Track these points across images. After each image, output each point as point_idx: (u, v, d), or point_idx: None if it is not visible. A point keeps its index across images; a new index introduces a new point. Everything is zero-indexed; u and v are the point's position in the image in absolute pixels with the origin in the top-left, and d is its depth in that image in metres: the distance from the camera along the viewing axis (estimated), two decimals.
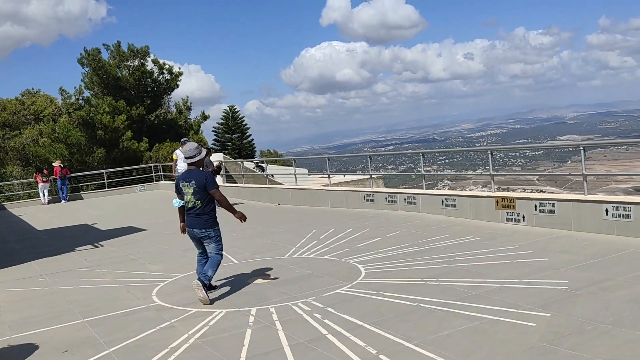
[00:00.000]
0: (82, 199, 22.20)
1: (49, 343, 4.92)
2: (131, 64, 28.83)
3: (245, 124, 47.35)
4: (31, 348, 4.84)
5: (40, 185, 20.73)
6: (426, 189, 10.94)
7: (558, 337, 3.99)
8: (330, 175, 14.05)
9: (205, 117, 31.96)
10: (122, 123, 26.56)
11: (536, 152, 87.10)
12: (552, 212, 7.81)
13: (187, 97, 32.05)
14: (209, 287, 5.89)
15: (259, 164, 24.18)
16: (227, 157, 26.61)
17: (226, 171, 20.12)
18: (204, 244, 5.96)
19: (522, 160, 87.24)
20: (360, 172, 27.75)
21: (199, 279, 5.74)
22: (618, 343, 3.80)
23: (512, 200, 8.40)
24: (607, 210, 7.11)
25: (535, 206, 8.04)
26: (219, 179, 16.53)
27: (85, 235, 11.82)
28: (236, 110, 47.42)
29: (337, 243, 8.29)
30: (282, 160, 30.79)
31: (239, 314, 5.27)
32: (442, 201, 9.77)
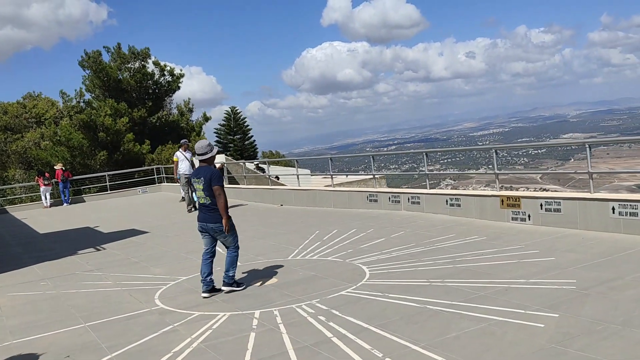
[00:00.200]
0: (84, 201, 22.17)
1: (51, 348, 4.86)
2: (132, 66, 28.81)
3: (247, 125, 47.34)
4: (32, 354, 4.78)
5: (42, 188, 20.70)
6: (429, 188, 10.86)
7: (567, 338, 3.91)
8: (333, 176, 13.98)
9: (206, 119, 31.97)
10: (124, 125, 26.54)
11: (539, 151, 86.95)
12: (558, 210, 7.72)
13: (189, 98, 32.07)
14: (236, 283, 6.21)
15: (259, 165, 24.12)
16: (229, 158, 26.56)
17: (228, 172, 20.07)
18: (220, 239, 6.11)
19: (524, 159, 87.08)
20: (363, 172, 27.68)
21: (225, 284, 6.10)
22: (629, 344, 3.73)
23: (518, 199, 8.32)
24: (613, 209, 7.03)
25: (541, 205, 7.95)
26: None
27: (87, 239, 11.76)
28: (238, 111, 47.42)
29: (341, 244, 8.22)
30: (284, 161, 30.74)
31: (242, 317, 5.21)
32: (446, 201, 9.70)
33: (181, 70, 30.80)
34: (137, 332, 5.07)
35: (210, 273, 6.11)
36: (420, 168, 11.26)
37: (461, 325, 4.35)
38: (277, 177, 19.97)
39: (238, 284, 6.24)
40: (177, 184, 18.60)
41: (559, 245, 6.75)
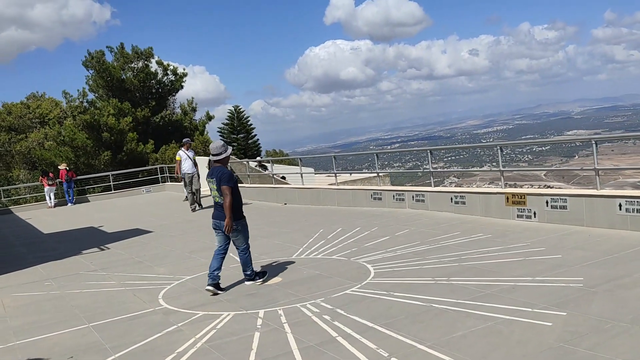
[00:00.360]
0: (88, 201, 22.19)
1: (54, 349, 4.84)
2: (135, 66, 28.82)
3: (251, 124, 47.29)
4: (36, 355, 4.76)
5: (47, 188, 20.73)
6: (434, 186, 10.80)
7: (576, 337, 3.86)
8: (337, 174, 13.94)
9: (210, 118, 31.95)
10: (127, 125, 26.55)
11: (543, 148, 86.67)
12: (564, 207, 7.66)
13: (192, 98, 32.06)
14: (257, 274, 6.38)
15: (262, 163, 24.08)
16: (233, 157, 26.54)
17: (232, 171, 20.02)
18: (232, 238, 6.21)
19: (529, 156, 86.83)
20: (367, 171, 27.61)
21: (247, 280, 6.32)
22: (639, 342, 3.67)
23: (523, 197, 8.26)
24: (620, 205, 6.96)
25: (547, 202, 7.89)
26: None
27: (91, 238, 11.76)
28: (241, 110, 47.37)
29: (345, 242, 8.18)
30: (288, 159, 30.69)
31: (246, 316, 5.17)
32: (451, 198, 9.64)
33: (184, 69, 30.81)
34: (141, 332, 5.04)
35: (218, 268, 6.14)
36: (424, 166, 11.20)
37: (467, 324, 4.30)
38: (284, 177, 19.85)
39: (259, 275, 6.39)
40: (180, 183, 18.58)
41: (566, 242, 6.69)
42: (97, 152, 26.39)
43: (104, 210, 18.25)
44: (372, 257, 7.04)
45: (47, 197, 20.84)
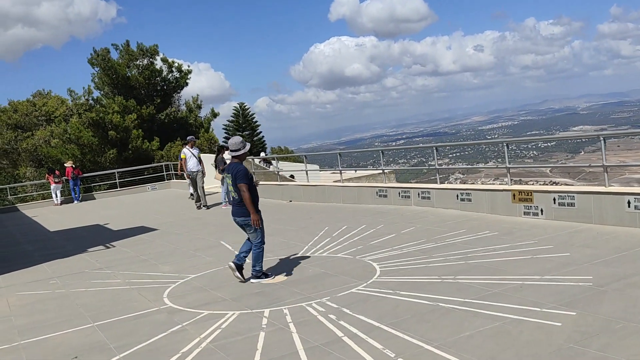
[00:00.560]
0: (94, 199, 22.24)
1: (59, 349, 4.81)
2: (140, 63, 28.80)
3: (256, 121, 47.35)
4: (40, 355, 4.74)
5: (53, 186, 20.77)
6: (439, 183, 10.73)
7: (586, 337, 3.80)
8: (342, 171, 13.88)
9: (215, 115, 31.91)
10: (132, 122, 26.56)
11: (548, 144, 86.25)
12: (572, 205, 7.58)
13: (197, 95, 32.04)
14: (264, 274, 6.38)
15: (265, 159, 24.02)
16: None
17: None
18: (247, 233, 6.37)
19: (534, 152, 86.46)
20: (372, 167, 27.52)
21: (253, 277, 6.31)
22: None
23: (530, 194, 8.19)
24: (629, 202, 6.88)
25: (554, 199, 7.81)
26: None
27: (97, 236, 11.76)
28: (246, 107, 47.44)
29: (351, 240, 8.13)
30: (293, 156, 30.67)
31: (251, 315, 5.13)
32: (457, 195, 9.57)
33: (189, 66, 30.77)
34: (146, 331, 5.01)
35: (247, 252, 6.38)
36: (430, 162, 11.13)
37: (475, 324, 4.25)
38: (293, 177, 19.74)
39: (266, 274, 6.39)
40: (184, 181, 18.57)
41: (574, 240, 6.62)
42: (103, 149, 26.43)
43: (109, 207, 18.27)
44: (378, 255, 6.98)
45: (54, 195, 20.90)
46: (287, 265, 6.97)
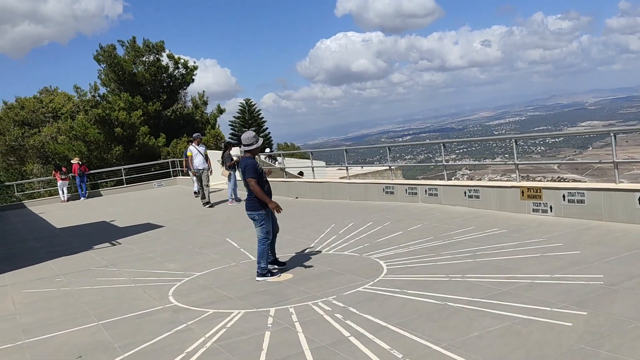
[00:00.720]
0: (100, 195, 22.29)
1: (63, 348, 4.78)
2: (147, 60, 28.81)
3: (262, 117, 47.31)
4: (44, 354, 4.71)
5: (60, 182, 20.83)
6: (447, 179, 10.63)
7: (597, 337, 3.72)
8: (348, 167, 13.80)
9: (221, 111, 31.90)
10: (138, 119, 26.58)
11: (556, 139, 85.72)
12: (582, 202, 7.47)
13: (204, 91, 32.04)
14: (269, 272, 6.35)
15: (270, 155, 23.97)
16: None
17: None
18: (255, 227, 6.38)
19: (542, 148, 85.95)
20: (378, 163, 27.42)
21: (258, 275, 6.30)
22: None
23: (539, 190, 8.08)
24: None
25: (564, 196, 7.71)
26: (238, 174, 16.32)
27: (103, 233, 11.75)
28: (252, 103, 47.40)
29: (357, 238, 8.06)
30: (299, 153, 30.59)
31: (257, 314, 5.08)
32: (465, 192, 9.48)
33: (195, 62, 30.77)
34: (151, 330, 4.97)
35: (273, 260, 6.59)
36: (436, 158, 11.03)
37: (484, 324, 4.17)
38: (302, 173, 19.65)
39: (272, 273, 6.37)
40: (189, 177, 18.52)
41: (584, 238, 6.52)
42: (109, 146, 26.48)
43: (116, 204, 18.29)
44: (385, 253, 6.91)
45: (60, 191, 20.96)
46: (293, 263, 6.91)
